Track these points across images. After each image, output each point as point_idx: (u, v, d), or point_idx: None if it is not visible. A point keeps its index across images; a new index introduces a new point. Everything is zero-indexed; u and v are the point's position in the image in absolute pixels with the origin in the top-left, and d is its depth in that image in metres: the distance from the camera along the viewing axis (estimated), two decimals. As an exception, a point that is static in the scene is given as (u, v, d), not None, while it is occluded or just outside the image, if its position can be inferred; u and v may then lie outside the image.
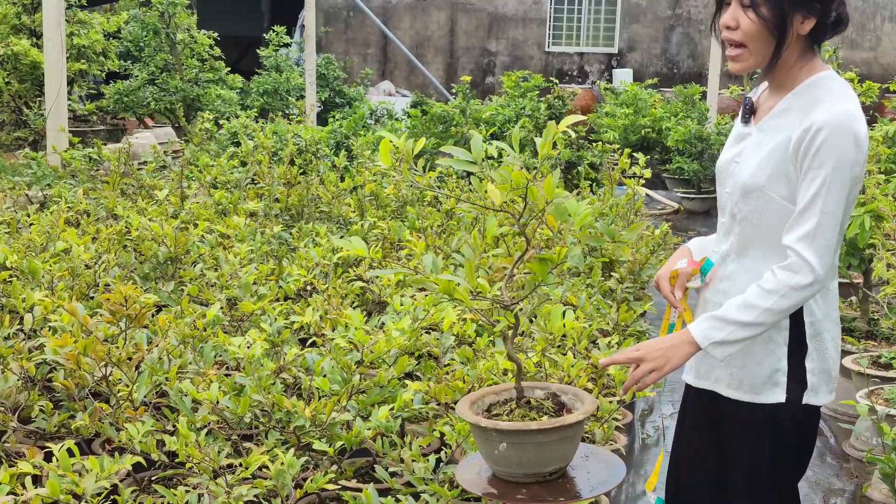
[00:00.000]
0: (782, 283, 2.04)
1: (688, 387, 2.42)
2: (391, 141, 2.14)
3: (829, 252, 2.05)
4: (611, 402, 3.37)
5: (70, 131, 12.07)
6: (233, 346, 2.92)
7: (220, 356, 3.46)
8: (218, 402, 2.78)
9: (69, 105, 11.69)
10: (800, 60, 2.14)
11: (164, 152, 7.60)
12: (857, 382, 4.23)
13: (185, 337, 3.00)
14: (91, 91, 12.25)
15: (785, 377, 2.17)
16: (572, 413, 2.23)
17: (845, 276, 5.00)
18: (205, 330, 3.11)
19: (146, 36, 11.12)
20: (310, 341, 3.90)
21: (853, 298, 5.31)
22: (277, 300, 4.36)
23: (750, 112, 2.24)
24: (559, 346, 3.86)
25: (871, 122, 9.58)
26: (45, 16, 7.47)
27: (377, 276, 4.51)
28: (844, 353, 4.67)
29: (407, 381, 3.27)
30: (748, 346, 2.16)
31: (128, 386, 3.02)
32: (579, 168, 7.51)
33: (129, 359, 3.04)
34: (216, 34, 11.51)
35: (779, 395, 2.18)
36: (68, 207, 5.92)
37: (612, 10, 17.58)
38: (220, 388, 2.80)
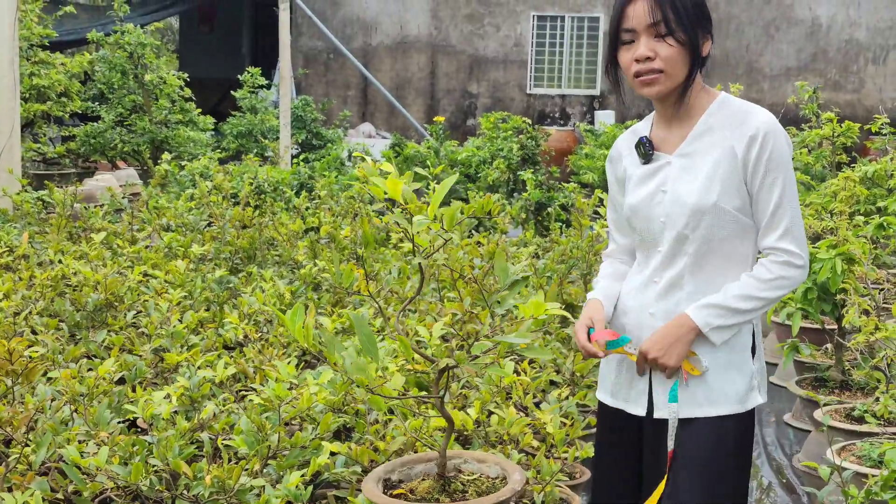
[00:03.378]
0: (778, 275, 2.18)
1: (622, 418, 2.35)
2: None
3: (805, 239, 2.24)
4: (556, 460, 3.09)
5: (39, 174, 11.84)
6: (132, 406, 2.65)
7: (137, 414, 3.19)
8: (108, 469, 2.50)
9: (39, 147, 11.48)
10: (700, 86, 2.28)
11: (123, 195, 7.35)
12: (831, 437, 3.96)
13: (75, 395, 2.72)
14: (64, 133, 12.06)
15: (756, 380, 2.28)
16: (495, 492, 1.96)
17: (818, 322, 4.74)
18: (97, 387, 2.83)
19: (114, 77, 10.93)
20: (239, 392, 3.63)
21: (828, 346, 5.05)
22: (215, 349, 4.10)
23: (651, 149, 2.31)
24: (507, 399, 3.59)
25: (851, 162, 9.40)
26: (-2, 55, 7.27)
27: (321, 324, 4.25)
28: (815, 404, 4.41)
29: (335, 441, 3.00)
30: (727, 360, 2.24)
31: (21, 447, 2.75)
32: (550, 210, 7.29)
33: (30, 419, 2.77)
34: (186, 75, 11.31)
35: (757, 399, 2.28)
36: (9, 251, 5.67)
37: (593, 52, 17.51)
38: (110, 451, 2.52)
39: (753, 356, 2.29)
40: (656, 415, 2.28)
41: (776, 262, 2.20)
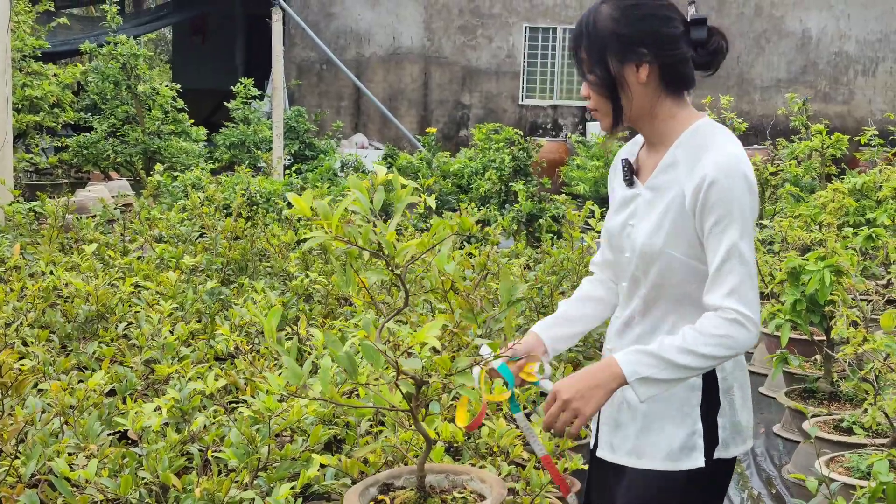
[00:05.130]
0: (725, 333, 1.95)
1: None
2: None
3: (758, 301, 1.99)
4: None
5: (31, 185, 11.83)
6: (122, 418, 2.65)
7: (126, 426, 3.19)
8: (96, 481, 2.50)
9: (31, 158, 11.48)
10: (667, 111, 2.10)
11: (115, 206, 7.35)
12: (819, 449, 3.98)
13: (65, 407, 2.73)
14: (57, 144, 12.05)
15: (702, 439, 2.08)
16: None
17: (806, 334, 4.76)
18: (87, 399, 2.83)
19: (107, 88, 10.95)
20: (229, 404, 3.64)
21: (817, 357, 5.07)
22: (206, 361, 4.10)
23: (631, 173, 2.17)
24: (497, 411, 3.61)
25: (840, 174, 9.45)
26: (-10, 66, 7.27)
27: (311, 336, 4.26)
28: (804, 415, 4.43)
29: (325, 453, 3.00)
30: (663, 410, 2.08)
31: (10, 460, 2.75)
32: (541, 221, 7.32)
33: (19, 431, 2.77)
34: (179, 86, 11.33)
35: (697, 460, 2.07)
36: (0, 262, 5.67)
37: (585, 63, 17.57)
38: (99, 463, 2.52)
39: (715, 411, 2.09)
40: (598, 453, 2.21)
41: (725, 319, 1.94)
